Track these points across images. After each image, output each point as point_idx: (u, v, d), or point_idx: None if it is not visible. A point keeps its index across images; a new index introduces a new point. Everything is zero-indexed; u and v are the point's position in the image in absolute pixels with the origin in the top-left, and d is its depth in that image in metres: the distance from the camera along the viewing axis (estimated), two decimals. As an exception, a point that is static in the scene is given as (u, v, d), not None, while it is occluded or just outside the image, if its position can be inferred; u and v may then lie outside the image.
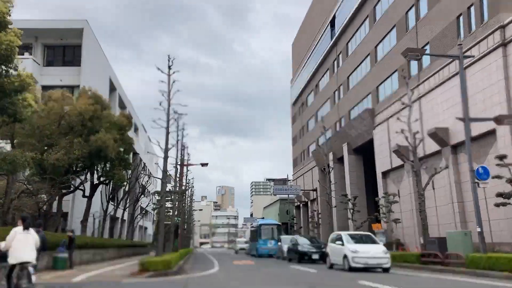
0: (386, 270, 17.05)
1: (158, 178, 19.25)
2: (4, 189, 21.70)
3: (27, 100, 15.54)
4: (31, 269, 8.90)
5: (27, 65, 32.57)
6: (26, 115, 15.72)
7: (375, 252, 16.97)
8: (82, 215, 31.16)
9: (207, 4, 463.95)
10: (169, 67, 19.67)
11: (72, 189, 29.21)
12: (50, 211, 27.18)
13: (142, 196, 55.03)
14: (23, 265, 8.68)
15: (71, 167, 26.13)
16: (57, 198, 27.87)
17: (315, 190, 47.66)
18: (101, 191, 36.97)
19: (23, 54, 35.28)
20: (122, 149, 30.33)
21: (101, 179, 31.89)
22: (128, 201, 48.37)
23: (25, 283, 8.62)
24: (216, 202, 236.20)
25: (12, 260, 8.66)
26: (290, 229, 52.82)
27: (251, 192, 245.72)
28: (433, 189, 25.95)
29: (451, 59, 23.97)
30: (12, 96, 14.56)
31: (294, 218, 57.24)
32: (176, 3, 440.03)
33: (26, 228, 8.87)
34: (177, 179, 23.67)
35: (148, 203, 62.42)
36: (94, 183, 31.59)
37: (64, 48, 38.66)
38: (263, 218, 66.44)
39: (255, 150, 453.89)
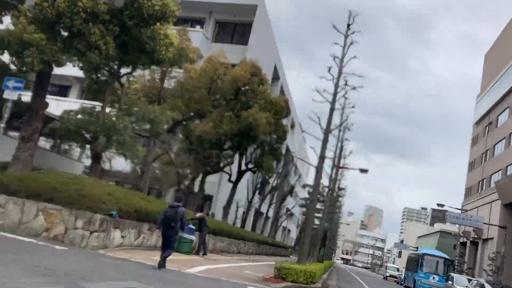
0: None
1: (312, 165, 14.83)
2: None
3: (169, 38, 12.53)
4: None
5: (196, 38, 31.71)
6: (165, 56, 12.75)
7: None
8: (226, 201, 28.84)
9: (388, 17, 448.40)
10: (348, 26, 15.20)
11: (218, 168, 26.79)
12: (192, 188, 25.12)
13: (289, 196, 52.20)
14: None
15: (218, 143, 23.51)
16: (200, 176, 25.82)
17: (504, 227, 38.28)
18: (247, 180, 34.55)
19: (195, 27, 34.68)
20: (274, 136, 27.13)
21: (249, 165, 29.25)
22: (275, 197, 45.73)
23: None
24: (363, 221, 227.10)
25: None
26: (454, 268, 44.13)
27: (403, 218, 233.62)
28: None
29: None
30: (150, 25, 11.62)
31: (463, 256, 48.00)
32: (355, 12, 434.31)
33: None
34: (333, 173, 19.00)
35: (294, 205, 59.39)
36: (241, 169, 29.07)
37: (235, 26, 37.29)
38: (417, 248, 58.11)
39: (413, 174, 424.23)
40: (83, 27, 10.70)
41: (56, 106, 21.14)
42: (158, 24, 12.15)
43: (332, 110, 14.70)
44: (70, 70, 25.75)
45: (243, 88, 23.41)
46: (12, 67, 12.85)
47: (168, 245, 9.85)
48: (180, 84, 20.41)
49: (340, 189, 31.85)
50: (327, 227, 26.17)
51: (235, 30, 37.30)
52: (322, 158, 14.22)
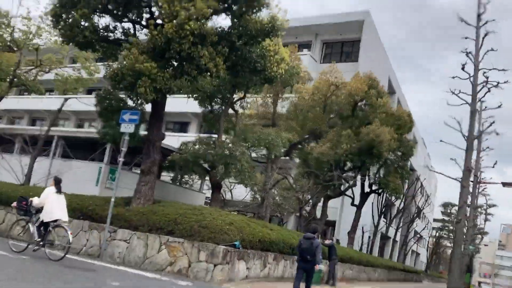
0: None
1: (457, 180, 12.71)
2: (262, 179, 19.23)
3: (280, 54, 11.77)
4: (67, 228, 9.40)
5: (304, 61, 31.09)
6: (277, 73, 11.98)
7: None
8: (350, 226, 27.02)
9: (508, 21, 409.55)
10: (479, 16, 13.18)
11: (339, 191, 25.27)
12: (313, 213, 23.86)
13: (417, 218, 48.33)
14: (55, 223, 9.46)
15: (337, 164, 22.06)
16: (322, 200, 24.49)
17: None
18: (372, 203, 32.35)
19: (302, 51, 34.15)
20: (399, 153, 24.85)
21: (373, 187, 27.19)
22: (401, 220, 42.41)
23: (58, 240, 9.42)
24: (501, 241, 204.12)
25: (45, 217, 9.45)
26: None
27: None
28: None
29: None
30: (259, 42, 10.97)
31: None
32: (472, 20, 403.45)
33: (58, 190, 9.74)
34: (476, 182, 16.37)
35: (424, 227, 54.70)
36: (365, 191, 27.12)
37: (342, 44, 36.03)
38: None
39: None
40: (192, 50, 10.37)
41: (177, 141, 21.67)
42: (267, 39, 11.50)
43: (473, 112, 12.60)
44: (188, 106, 26.63)
45: (359, 103, 21.88)
46: (130, 102, 13.01)
47: (306, 280, 9.17)
48: (293, 105, 19.63)
49: (489, 206, 28.05)
50: (473, 249, 22.86)
51: (342, 48, 36.03)
52: (468, 170, 12.13)
